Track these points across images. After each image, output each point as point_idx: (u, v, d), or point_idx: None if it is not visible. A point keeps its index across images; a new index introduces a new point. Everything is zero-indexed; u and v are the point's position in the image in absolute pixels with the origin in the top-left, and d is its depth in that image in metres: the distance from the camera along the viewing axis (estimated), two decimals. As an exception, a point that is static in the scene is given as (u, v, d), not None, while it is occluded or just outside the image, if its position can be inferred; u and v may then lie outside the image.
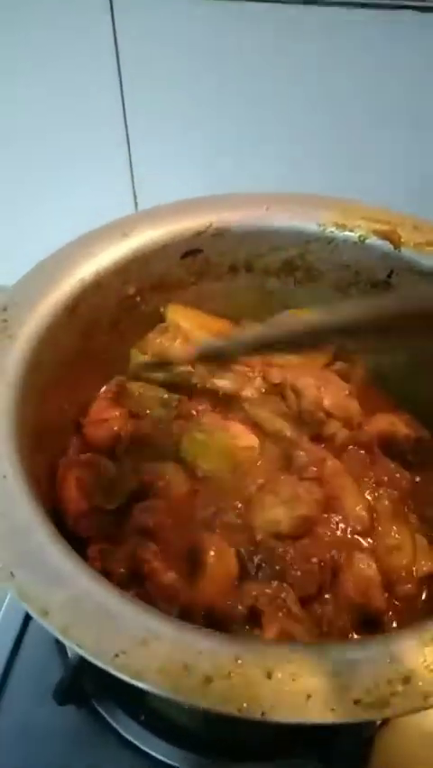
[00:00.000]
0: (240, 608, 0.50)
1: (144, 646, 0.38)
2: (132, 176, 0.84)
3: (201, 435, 0.61)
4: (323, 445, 0.62)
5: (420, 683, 0.37)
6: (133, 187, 0.86)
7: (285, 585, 0.52)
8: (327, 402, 0.62)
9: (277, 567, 0.53)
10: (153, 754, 0.64)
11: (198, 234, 0.67)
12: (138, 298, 0.68)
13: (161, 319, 0.69)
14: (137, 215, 0.66)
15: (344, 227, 0.67)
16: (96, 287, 0.63)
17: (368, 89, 0.77)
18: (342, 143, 0.79)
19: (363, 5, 0.69)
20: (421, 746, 0.61)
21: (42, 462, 0.55)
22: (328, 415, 0.62)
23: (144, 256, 0.65)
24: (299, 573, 0.52)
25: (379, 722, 0.62)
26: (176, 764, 0.63)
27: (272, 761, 0.63)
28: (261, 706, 0.36)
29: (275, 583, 0.52)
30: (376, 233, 0.66)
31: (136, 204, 0.88)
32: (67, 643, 0.38)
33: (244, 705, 0.36)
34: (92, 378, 0.67)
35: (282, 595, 0.51)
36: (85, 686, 0.65)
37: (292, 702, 0.36)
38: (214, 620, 0.49)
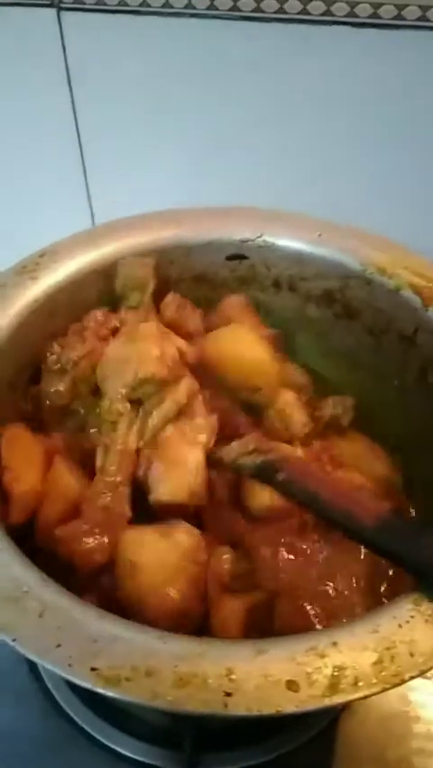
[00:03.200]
0: None
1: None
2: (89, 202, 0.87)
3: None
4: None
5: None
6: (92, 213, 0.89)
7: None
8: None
9: None
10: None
11: (245, 242, 0.70)
12: (179, 284, 0.73)
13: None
14: (189, 210, 0.71)
15: (384, 272, 0.66)
16: (135, 261, 0.69)
17: (350, 110, 0.74)
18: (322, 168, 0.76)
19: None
20: (380, 728, 0.65)
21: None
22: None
23: (187, 246, 0.70)
24: None
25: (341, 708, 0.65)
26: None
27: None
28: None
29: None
30: (412, 286, 0.64)
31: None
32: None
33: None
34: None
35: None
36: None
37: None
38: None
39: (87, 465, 0.59)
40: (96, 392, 0.61)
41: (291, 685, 0.37)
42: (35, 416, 0.63)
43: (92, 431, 0.60)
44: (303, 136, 0.78)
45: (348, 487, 0.57)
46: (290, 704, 0.37)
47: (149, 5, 0.72)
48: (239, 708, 0.37)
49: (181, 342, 0.63)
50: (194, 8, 0.72)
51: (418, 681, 0.67)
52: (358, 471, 0.62)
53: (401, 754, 0.64)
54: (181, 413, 0.59)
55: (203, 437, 0.58)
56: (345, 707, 0.65)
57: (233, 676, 0.38)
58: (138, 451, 0.58)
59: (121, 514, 0.54)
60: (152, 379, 0.58)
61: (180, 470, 0.56)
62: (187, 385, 0.60)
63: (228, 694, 0.37)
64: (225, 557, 0.54)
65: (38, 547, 0.52)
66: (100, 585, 0.52)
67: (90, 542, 0.52)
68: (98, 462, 0.57)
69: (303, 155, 0.79)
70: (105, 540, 0.52)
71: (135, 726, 0.63)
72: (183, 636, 0.42)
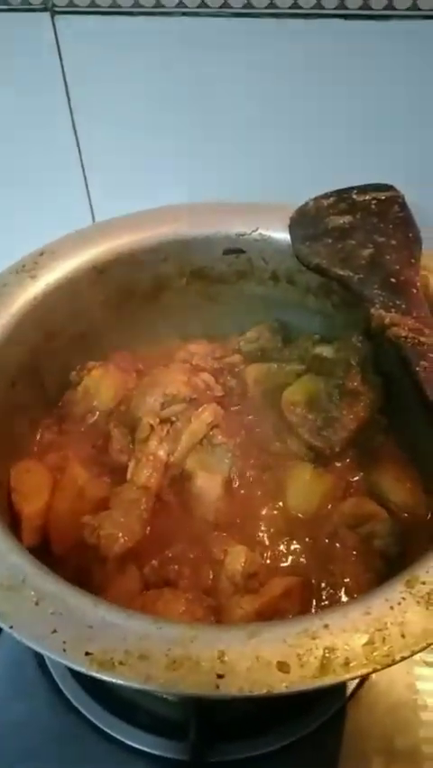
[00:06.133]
0: None
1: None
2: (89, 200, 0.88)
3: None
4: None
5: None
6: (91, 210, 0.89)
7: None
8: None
9: None
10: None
11: (241, 235, 0.71)
12: (179, 280, 0.74)
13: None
14: (187, 206, 0.71)
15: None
16: (130, 257, 0.70)
17: (344, 101, 0.75)
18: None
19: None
20: (388, 717, 0.65)
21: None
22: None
23: (184, 242, 0.71)
24: None
25: (349, 693, 0.66)
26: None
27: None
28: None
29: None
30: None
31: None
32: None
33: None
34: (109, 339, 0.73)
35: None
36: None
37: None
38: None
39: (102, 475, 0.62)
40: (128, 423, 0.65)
41: (282, 666, 0.38)
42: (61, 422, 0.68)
43: (117, 448, 0.63)
44: (299, 130, 0.78)
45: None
46: (281, 684, 0.37)
47: (141, 6, 0.73)
48: (231, 688, 0.37)
49: (209, 378, 0.68)
50: (186, 6, 0.72)
51: (426, 670, 0.68)
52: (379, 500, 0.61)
53: (410, 742, 0.64)
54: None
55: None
56: (352, 695, 0.65)
57: (225, 658, 0.39)
58: (167, 464, 0.61)
59: (146, 510, 0.57)
60: (179, 397, 0.63)
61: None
62: (213, 409, 0.64)
63: (220, 676, 0.38)
64: (241, 555, 0.54)
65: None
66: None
67: (116, 530, 0.55)
68: (129, 474, 0.61)
69: (300, 149, 0.79)
70: (130, 529, 0.55)
71: (141, 717, 0.63)
72: (177, 622, 0.42)
